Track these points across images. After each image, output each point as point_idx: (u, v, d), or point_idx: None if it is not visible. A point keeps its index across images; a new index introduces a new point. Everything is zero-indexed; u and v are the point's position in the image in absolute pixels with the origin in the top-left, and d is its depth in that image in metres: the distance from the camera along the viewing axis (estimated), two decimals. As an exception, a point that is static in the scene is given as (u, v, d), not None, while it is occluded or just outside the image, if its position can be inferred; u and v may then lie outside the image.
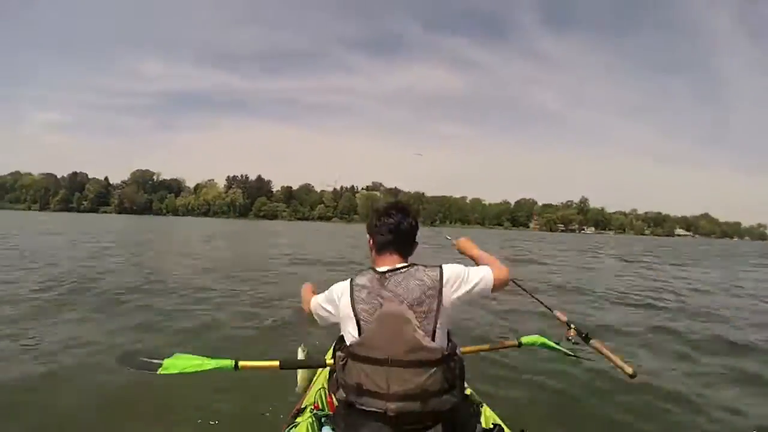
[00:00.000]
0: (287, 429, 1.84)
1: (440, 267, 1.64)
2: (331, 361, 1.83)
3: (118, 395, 3.40)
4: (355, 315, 1.60)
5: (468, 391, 2.02)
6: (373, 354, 1.53)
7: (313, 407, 1.94)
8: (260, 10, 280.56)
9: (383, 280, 1.62)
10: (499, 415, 2.01)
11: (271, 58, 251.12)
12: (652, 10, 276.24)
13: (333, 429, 1.71)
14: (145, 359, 2.13)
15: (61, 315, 5.81)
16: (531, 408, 3.53)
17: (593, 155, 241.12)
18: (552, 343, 2.56)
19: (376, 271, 1.68)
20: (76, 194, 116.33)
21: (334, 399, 1.77)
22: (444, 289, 1.59)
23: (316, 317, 1.92)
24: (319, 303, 1.86)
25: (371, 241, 1.82)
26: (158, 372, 2.04)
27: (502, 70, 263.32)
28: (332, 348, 1.86)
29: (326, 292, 1.81)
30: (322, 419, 1.80)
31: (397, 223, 1.76)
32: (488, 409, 2.03)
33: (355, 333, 1.59)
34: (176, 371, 2.03)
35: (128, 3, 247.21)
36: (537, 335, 2.58)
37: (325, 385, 2.15)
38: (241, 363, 2.01)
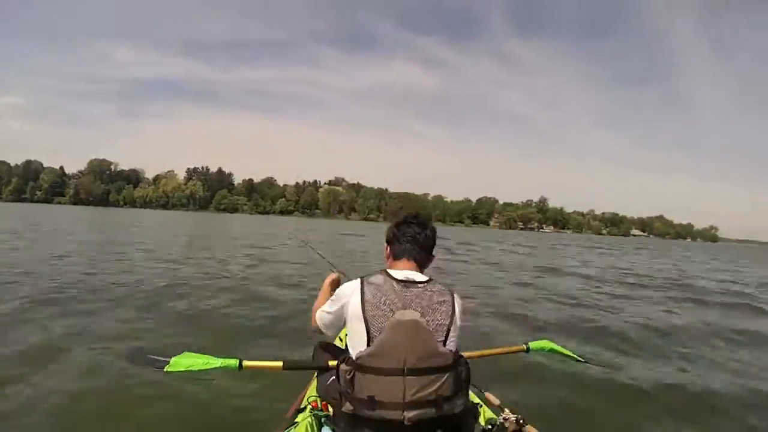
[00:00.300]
0: (287, 429, 1.81)
1: (452, 291, 1.68)
2: (334, 362, 1.76)
3: (118, 393, 3.37)
4: (365, 320, 1.56)
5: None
6: (388, 364, 1.50)
7: (312, 407, 1.89)
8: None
9: (398, 287, 1.60)
10: (498, 415, 1.95)
11: (242, 47, 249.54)
12: (620, 20, 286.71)
13: (333, 429, 1.68)
14: (153, 356, 2.13)
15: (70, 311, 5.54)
16: (531, 408, 3.46)
17: (557, 157, 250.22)
18: (561, 349, 2.53)
19: (389, 275, 1.65)
20: (30, 183, 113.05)
21: (330, 408, 1.81)
22: (456, 308, 1.63)
23: (321, 327, 1.88)
24: (324, 310, 1.82)
25: (388, 249, 1.85)
26: (165, 370, 2.03)
27: (472, 71, 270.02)
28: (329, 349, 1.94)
29: (333, 296, 1.78)
30: (322, 419, 1.77)
31: (415, 233, 1.79)
32: (487, 409, 2.03)
33: (364, 340, 1.55)
34: (182, 369, 2.02)
35: None
36: (546, 340, 2.55)
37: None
38: (245, 363, 2.01)
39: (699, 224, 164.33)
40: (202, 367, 2.03)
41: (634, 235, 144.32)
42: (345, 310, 1.67)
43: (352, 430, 1.58)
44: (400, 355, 1.50)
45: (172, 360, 2.07)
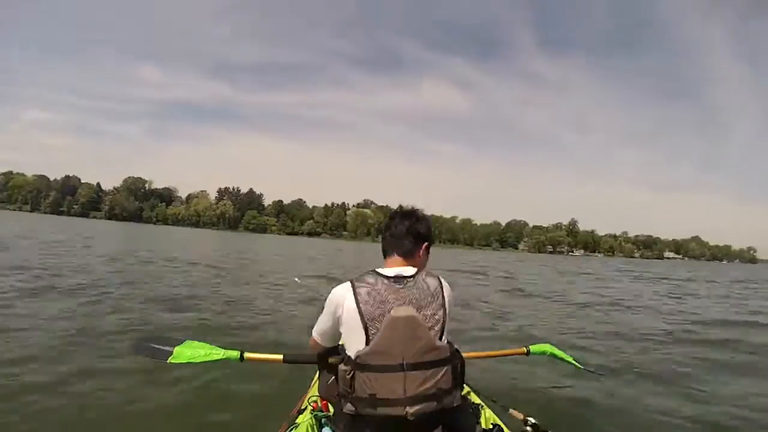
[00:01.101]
0: (287, 429, 1.81)
1: (438, 277, 1.69)
2: (334, 359, 1.76)
3: (119, 389, 3.44)
4: (362, 320, 1.54)
5: (467, 392, 2.08)
6: (387, 361, 1.51)
7: (313, 407, 1.90)
8: (259, 23, 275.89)
9: (390, 284, 1.60)
10: (498, 416, 1.98)
11: (269, 71, 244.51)
12: (649, 34, 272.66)
13: (333, 430, 1.68)
14: (157, 347, 2.17)
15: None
16: (531, 408, 3.59)
17: (587, 179, 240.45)
18: (562, 354, 2.55)
19: (380, 274, 1.65)
20: (68, 198, 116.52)
21: (331, 407, 1.84)
22: (446, 296, 1.64)
23: (320, 341, 1.82)
24: (320, 322, 1.78)
25: (383, 243, 1.86)
26: (168, 361, 2.08)
27: (498, 91, 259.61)
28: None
29: (325, 306, 1.72)
30: (323, 420, 1.77)
31: (396, 225, 1.81)
32: (488, 409, 2.02)
33: (362, 340, 1.54)
34: (185, 360, 2.07)
35: (131, 11, 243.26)
36: (547, 344, 2.58)
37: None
38: (246, 354, 2.06)
39: (736, 245, 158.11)
40: (205, 359, 2.05)
41: (668, 258, 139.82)
42: (340, 312, 1.63)
43: (353, 430, 1.57)
44: (398, 352, 1.51)
45: (175, 350, 2.08)
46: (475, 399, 2.10)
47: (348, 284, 1.63)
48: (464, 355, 1.70)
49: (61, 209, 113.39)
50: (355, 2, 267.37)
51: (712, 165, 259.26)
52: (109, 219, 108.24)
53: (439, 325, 1.59)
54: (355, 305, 1.57)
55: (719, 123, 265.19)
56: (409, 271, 1.67)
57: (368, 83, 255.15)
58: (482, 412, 1.94)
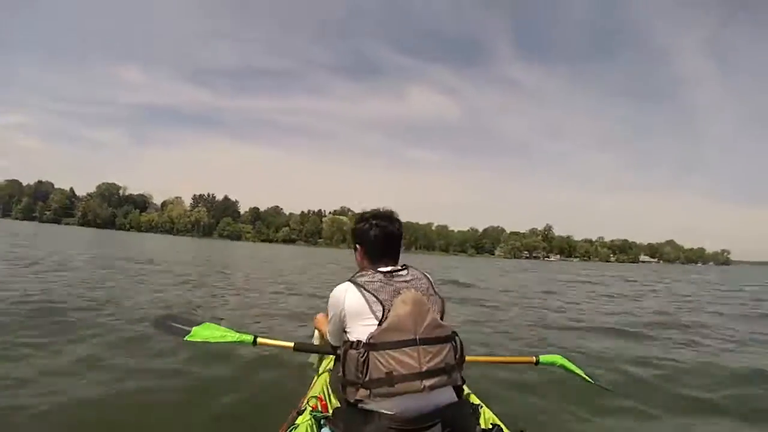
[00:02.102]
0: (286, 430, 1.82)
1: (423, 272, 1.81)
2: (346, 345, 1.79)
3: (117, 385, 3.50)
4: (370, 303, 1.63)
5: (467, 393, 2.09)
6: (402, 336, 1.57)
7: (312, 408, 1.92)
8: (240, 27, 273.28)
9: (389, 276, 1.70)
10: (498, 416, 2.00)
11: (247, 76, 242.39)
12: (624, 39, 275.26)
13: (332, 430, 1.70)
14: (176, 325, 2.26)
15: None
16: (531, 409, 3.52)
17: (564, 184, 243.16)
18: (571, 366, 2.52)
19: (377, 270, 1.73)
20: (39, 203, 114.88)
21: (333, 401, 1.91)
22: (434, 284, 1.78)
23: (332, 338, 1.91)
24: (330, 328, 1.87)
25: (362, 249, 1.88)
26: (185, 338, 2.17)
27: (477, 98, 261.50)
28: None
29: (328, 308, 1.81)
30: (321, 421, 1.78)
31: (389, 231, 1.86)
32: (487, 410, 2.03)
33: (373, 322, 1.61)
34: (201, 340, 2.15)
35: (109, 12, 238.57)
36: (557, 355, 2.56)
37: (325, 390, 2.12)
38: (259, 339, 2.14)
39: (711, 248, 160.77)
40: (219, 340, 2.15)
41: (643, 261, 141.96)
42: (343, 306, 1.70)
43: (351, 428, 1.59)
44: (411, 327, 1.58)
45: (193, 330, 2.19)
46: (474, 399, 2.11)
47: (346, 282, 1.74)
48: (469, 358, 1.81)
49: (33, 215, 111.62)
50: (335, 10, 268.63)
51: (687, 167, 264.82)
52: (82, 225, 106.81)
53: (438, 306, 1.72)
54: (359, 294, 1.66)
55: (694, 124, 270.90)
56: (399, 267, 1.79)
57: (347, 90, 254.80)
58: (482, 412, 1.95)
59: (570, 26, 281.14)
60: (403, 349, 1.56)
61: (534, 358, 2.46)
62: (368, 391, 1.56)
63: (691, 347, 6.45)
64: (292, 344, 2.17)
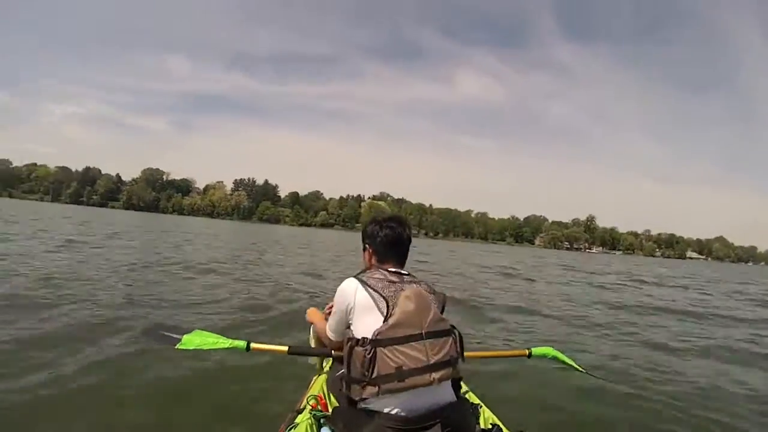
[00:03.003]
0: (286, 429, 1.82)
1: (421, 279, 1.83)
2: (339, 352, 1.83)
3: (119, 384, 3.44)
4: (376, 300, 1.63)
5: (465, 391, 2.10)
6: (410, 331, 1.58)
7: (312, 407, 1.91)
8: (279, 12, 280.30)
9: (394, 275, 1.73)
10: (497, 416, 2.00)
11: (288, 62, 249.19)
12: (678, 20, 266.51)
13: (332, 430, 1.68)
14: (167, 333, 2.22)
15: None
16: (531, 409, 3.50)
17: (609, 174, 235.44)
18: (563, 357, 2.56)
19: (381, 269, 1.77)
20: (87, 188, 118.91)
21: (333, 400, 1.91)
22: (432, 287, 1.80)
23: (334, 336, 1.89)
24: (331, 323, 1.87)
25: (370, 249, 1.89)
26: (176, 347, 2.12)
27: (521, 82, 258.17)
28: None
29: (335, 301, 1.80)
30: (321, 420, 1.77)
31: (398, 234, 1.87)
32: (487, 409, 2.02)
33: (379, 318, 1.61)
34: (193, 347, 2.11)
35: (152, 3, 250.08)
36: (549, 347, 2.58)
37: (325, 389, 2.11)
38: (252, 345, 2.10)
39: (763, 246, 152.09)
40: (212, 347, 2.12)
41: (691, 258, 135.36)
42: (350, 301, 1.69)
43: (351, 427, 1.59)
44: (417, 322, 1.61)
45: (184, 338, 2.15)
46: (473, 399, 2.08)
47: (352, 278, 1.74)
48: (465, 354, 1.80)
49: (81, 199, 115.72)
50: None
51: (741, 160, 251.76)
52: (127, 209, 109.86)
53: (440, 301, 1.76)
54: (365, 291, 1.66)
55: (750, 115, 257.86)
56: (404, 271, 1.82)
57: (389, 74, 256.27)
58: (481, 411, 1.95)
59: (618, 2, 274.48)
60: (411, 343, 1.58)
61: (527, 351, 2.47)
62: (376, 387, 1.55)
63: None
64: (286, 348, 2.14)
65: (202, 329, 2.22)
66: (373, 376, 1.55)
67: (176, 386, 3.45)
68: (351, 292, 1.69)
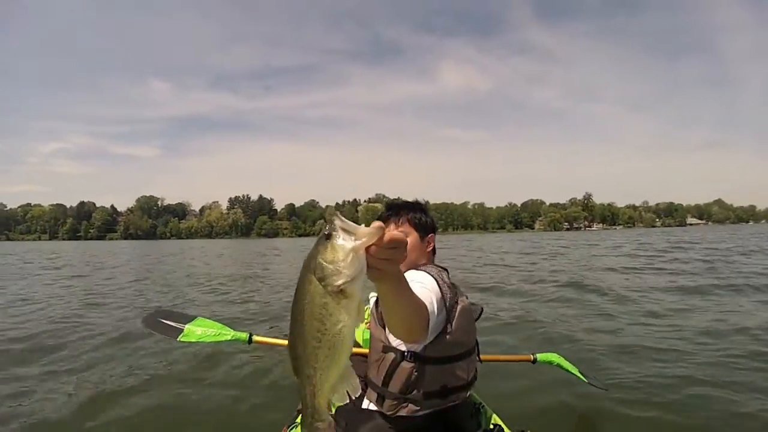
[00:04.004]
0: (288, 429, 1.80)
1: None
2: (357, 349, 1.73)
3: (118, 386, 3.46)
4: (447, 310, 1.48)
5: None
6: (463, 349, 1.52)
7: None
8: (254, 27, 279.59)
9: (446, 275, 1.61)
10: (499, 416, 1.97)
11: (269, 75, 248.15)
12: None
13: (335, 429, 1.67)
14: (168, 323, 2.17)
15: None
16: (531, 409, 3.41)
17: (602, 150, 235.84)
18: (568, 365, 2.53)
19: (439, 267, 1.64)
20: (84, 223, 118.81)
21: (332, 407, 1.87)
22: None
23: (428, 333, 1.45)
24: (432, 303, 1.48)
25: (432, 239, 1.74)
26: (179, 339, 2.11)
27: (501, 69, 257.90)
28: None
29: (428, 282, 1.48)
30: None
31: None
32: (489, 409, 2.01)
33: (438, 331, 1.47)
34: (194, 340, 2.10)
35: (126, 30, 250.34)
36: (554, 354, 2.55)
37: None
38: (255, 337, 2.11)
39: (762, 205, 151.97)
40: (214, 339, 2.11)
41: (691, 224, 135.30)
42: (442, 302, 1.46)
43: (355, 426, 1.55)
44: (472, 338, 1.57)
45: (186, 328, 2.12)
46: (475, 399, 2.04)
47: (426, 272, 1.55)
48: None
49: (78, 234, 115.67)
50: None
51: (730, 122, 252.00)
52: (125, 239, 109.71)
53: None
54: (441, 294, 1.47)
55: (731, 75, 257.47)
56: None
57: (371, 76, 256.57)
58: (483, 412, 1.92)
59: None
60: (463, 361, 1.52)
61: (531, 357, 2.43)
62: (418, 407, 1.47)
63: None
64: (287, 342, 1.80)
65: (204, 317, 2.19)
66: (415, 392, 1.50)
67: (176, 384, 3.43)
68: (440, 283, 1.52)
